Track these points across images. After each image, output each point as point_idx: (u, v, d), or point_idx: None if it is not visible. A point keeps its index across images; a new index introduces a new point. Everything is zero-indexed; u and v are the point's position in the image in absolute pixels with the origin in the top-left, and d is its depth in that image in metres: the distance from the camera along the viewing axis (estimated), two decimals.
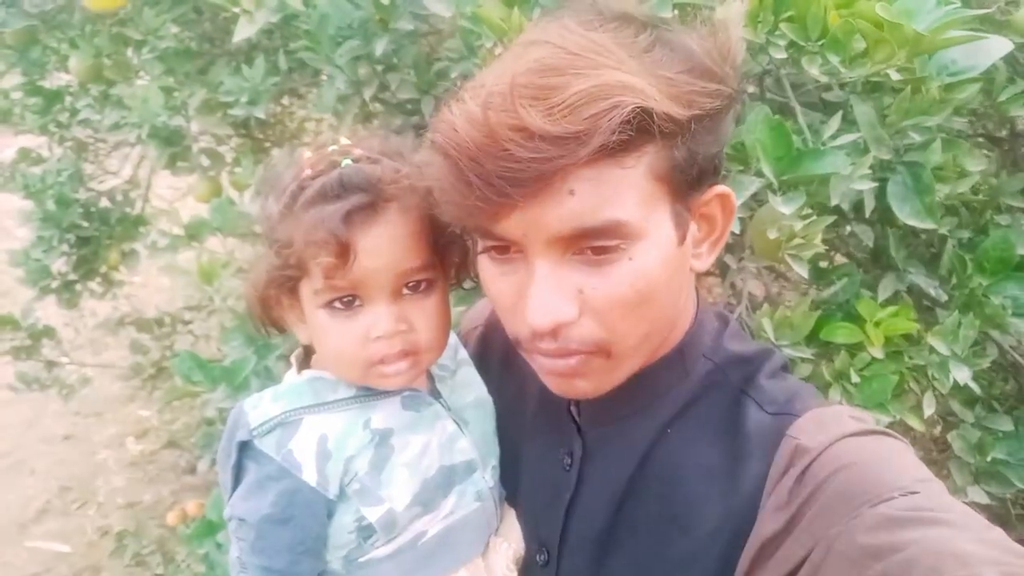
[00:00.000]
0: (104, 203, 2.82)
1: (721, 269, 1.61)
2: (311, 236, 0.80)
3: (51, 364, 3.27)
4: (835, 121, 1.14)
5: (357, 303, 0.85)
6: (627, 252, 0.71)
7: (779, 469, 0.76)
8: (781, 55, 1.08)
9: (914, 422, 1.40)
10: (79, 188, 2.71)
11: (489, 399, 1.01)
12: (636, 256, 0.72)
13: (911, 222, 1.19)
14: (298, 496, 0.84)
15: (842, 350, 1.39)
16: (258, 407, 0.87)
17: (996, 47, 1.15)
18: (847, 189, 1.17)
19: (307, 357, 0.96)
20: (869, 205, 1.23)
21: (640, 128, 0.66)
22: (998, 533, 0.64)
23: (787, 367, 0.89)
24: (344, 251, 0.80)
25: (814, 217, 1.15)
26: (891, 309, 1.43)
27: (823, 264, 1.62)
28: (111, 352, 4.31)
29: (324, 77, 1.77)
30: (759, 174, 1.13)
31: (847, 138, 1.13)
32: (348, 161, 0.84)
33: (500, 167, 0.66)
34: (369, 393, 0.90)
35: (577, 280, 0.72)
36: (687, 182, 0.74)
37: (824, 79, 1.07)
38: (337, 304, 0.85)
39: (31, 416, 4.38)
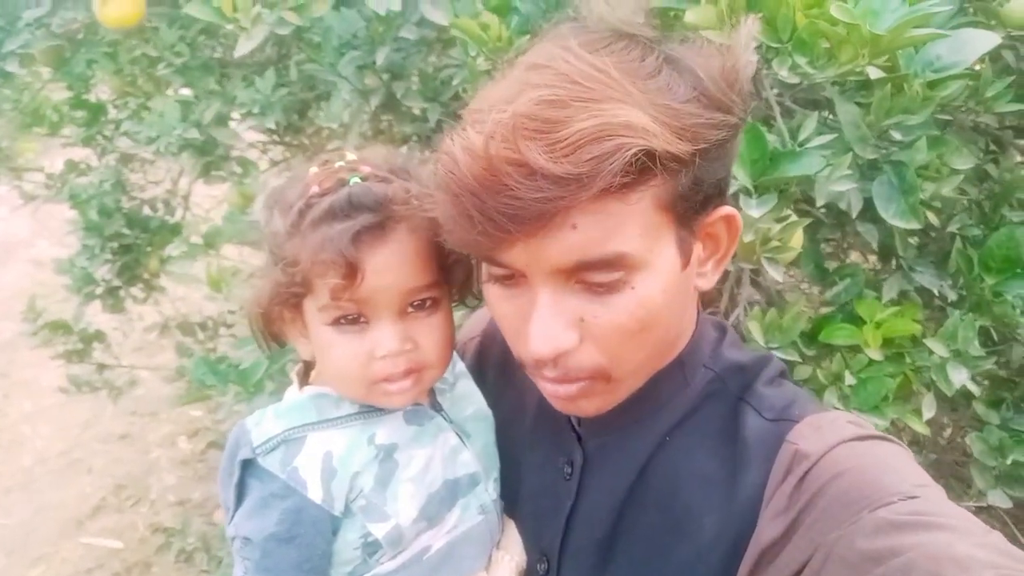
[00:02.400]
0: (146, 211, 2.92)
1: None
2: (318, 255, 0.80)
3: (102, 367, 3.39)
4: (811, 122, 1.13)
5: (362, 320, 0.85)
6: (629, 282, 0.72)
7: (778, 475, 0.76)
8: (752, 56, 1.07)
9: (916, 424, 1.37)
10: (122, 198, 2.81)
11: (488, 411, 1.02)
12: (638, 285, 0.72)
13: (895, 222, 1.17)
14: (303, 514, 0.84)
15: (838, 352, 1.37)
16: (260, 425, 0.87)
17: (982, 41, 1.13)
18: (831, 190, 1.16)
19: (307, 372, 0.96)
20: (856, 206, 1.21)
21: (643, 169, 0.66)
22: (997, 537, 0.64)
23: (785, 373, 0.90)
24: (352, 271, 0.80)
25: (792, 219, 1.14)
26: (893, 310, 1.40)
27: (829, 265, 1.60)
28: (163, 355, 4.46)
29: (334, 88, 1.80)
30: (733, 178, 1.12)
31: (825, 138, 1.11)
32: (356, 179, 0.84)
33: (500, 203, 0.66)
34: (372, 409, 0.91)
35: (578, 308, 0.73)
36: (692, 208, 0.74)
37: (795, 80, 1.06)
38: (342, 322, 0.85)
39: (89, 416, 4.56)
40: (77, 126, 2.83)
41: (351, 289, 0.81)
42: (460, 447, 0.95)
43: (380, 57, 1.63)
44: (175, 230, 2.78)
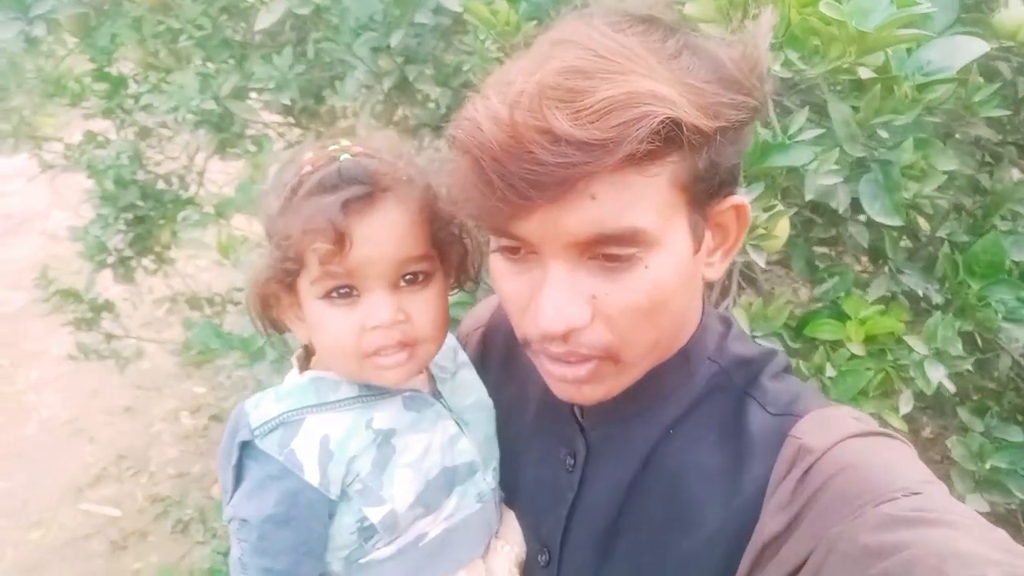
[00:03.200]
0: (161, 185, 2.98)
1: None
2: (309, 225, 0.81)
3: (110, 337, 3.46)
4: (801, 116, 1.17)
5: (354, 293, 0.85)
6: (643, 260, 0.71)
7: (781, 470, 0.76)
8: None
9: (893, 420, 1.41)
10: (138, 170, 2.87)
11: (490, 401, 1.02)
12: (652, 264, 0.72)
13: (879, 218, 1.21)
14: (300, 496, 0.84)
15: (822, 346, 1.41)
16: (259, 407, 0.87)
17: (971, 48, 1.17)
18: (819, 185, 1.20)
19: (308, 358, 0.97)
20: (843, 201, 1.26)
21: (667, 138, 0.66)
22: (1001, 534, 0.64)
23: (789, 368, 0.89)
24: (340, 238, 0.80)
25: (779, 208, 1.18)
26: (878, 308, 1.44)
27: (820, 264, 1.64)
28: (171, 331, 4.53)
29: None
30: None
31: (814, 132, 1.16)
32: (347, 156, 0.86)
33: (523, 169, 0.65)
34: (371, 393, 0.91)
35: (591, 285, 0.72)
36: (707, 192, 0.74)
37: (787, 75, 1.10)
38: (334, 295, 0.85)
39: (95, 387, 4.64)
40: (98, 98, 2.89)
41: (340, 256, 0.81)
42: (459, 435, 0.95)
43: (395, 40, 1.68)
44: (189, 204, 2.84)
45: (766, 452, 0.78)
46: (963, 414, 1.73)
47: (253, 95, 2.29)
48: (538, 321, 0.73)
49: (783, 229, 1.22)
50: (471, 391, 1.01)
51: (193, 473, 3.97)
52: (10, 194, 7.50)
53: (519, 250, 0.75)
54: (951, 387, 1.37)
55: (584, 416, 0.91)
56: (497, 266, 0.79)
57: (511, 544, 0.96)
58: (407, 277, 0.87)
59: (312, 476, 0.84)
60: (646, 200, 0.69)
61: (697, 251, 0.76)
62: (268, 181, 0.94)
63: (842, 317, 1.46)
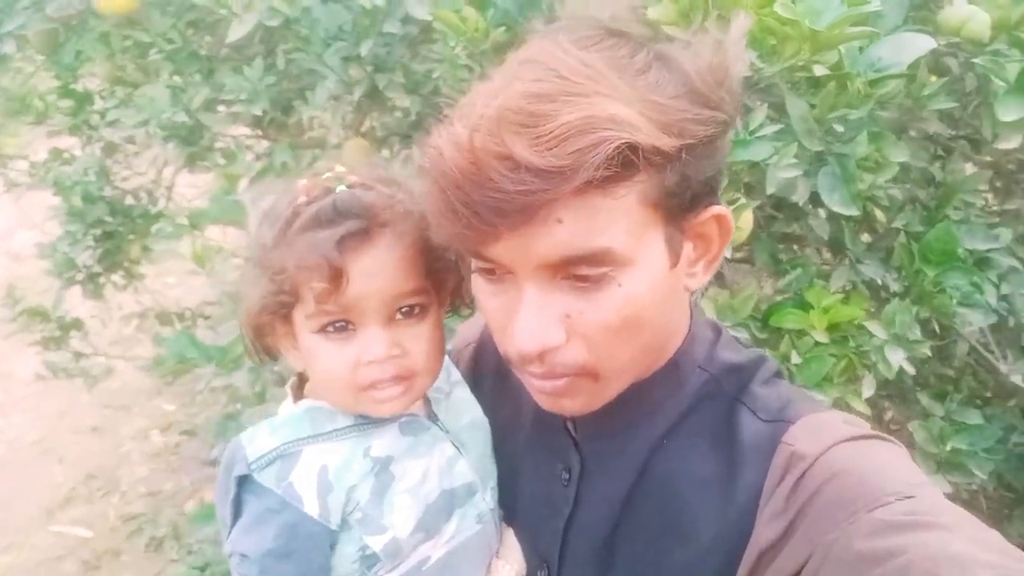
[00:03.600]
0: (129, 200, 2.98)
1: None
2: (304, 261, 0.80)
3: (79, 355, 3.43)
4: (760, 113, 1.22)
5: (350, 328, 0.85)
6: (615, 279, 0.72)
7: (775, 476, 0.76)
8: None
9: (856, 404, 1.47)
10: (105, 186, 2.87)
11: (485, 420, 1.01)
12: (624, 282, 0.72)
13: (838, 209, 1.26)
14: (300, 529, 0.83)
15: (787, 335, 1.46)
16: (255, 440, 0.86)
17: (919, 44, 1.24)
18: (780, 179, 1.25)
19: (301, 386, 0.97)
20: (802, 194, 1.31)
21: (625, 163, 0.66)
22: (994, 535, 0.64)
23: (780, 373, 0.89)
24: (337, 276, 0.80)
25: (742, 202, 1.23)
26: (839, 297, 1.50)
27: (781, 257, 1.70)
28: (141, 347, 4.49)
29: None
30: None
31: (773, 128, 1.21)
32: (343, 188, 0.85)
33: (485, 196, 0.66)
34: (367, 421, 0.90)
35: (565, 304, 0.73)
36: (680, 206, 0.74)
37: (748, 74, 1.15)
38: (329, 329, 0.85)
39: (63, 407, 4.58)
40: (63, 115, 2.88)
41: (336, 294, 0.81)
42: (456, 457, 0.94)
43: (365, 49, 1.71)
44: (157, 218, 2.84)
45: (759, 459, 0.79)
46: (923, 399, 1.80)
47: (221, 108, 2.31)
48: (514, 343, 0.74)
49: (747, 222, 1.27)
50: (466, 410, 1.01)
51: (165, 491, 3.93)
52: None
53: (495, 271, 0.76)
54: (911, 370, 1.43)
55: (577, 430, 0.92)
56: (478, 285, 0.80)
57: (511, 562, 0.96)
58: (403, 310, 0.86)
59: (311, 508, 0.83)
60: (614, 221, 0.69)
61: (675, 264, 0.76)
62: (261, 212, 0.91)
63: (805, 307, 1.52)
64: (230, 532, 0.86)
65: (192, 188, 3.19)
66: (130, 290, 3.21)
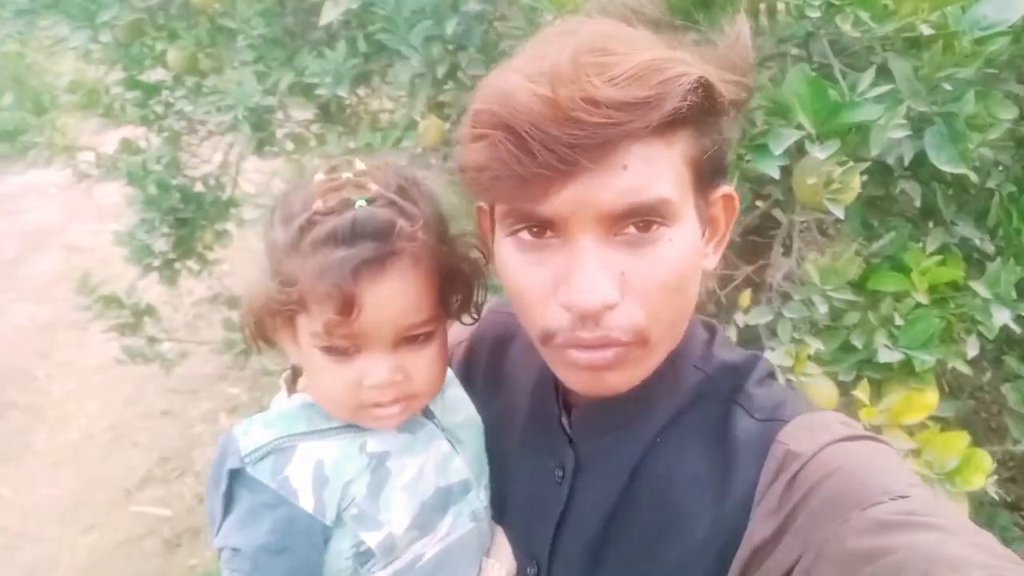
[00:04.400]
0: (198, 188, 3.05)
1: (772, 225, 1.70)
2: (316, 284, 0.79)
3: (152, 340, 3.52)
4: (868, 75, 1.23)
5: (354, 349, 0.84)
6: (667, 234, 0.73)
7: (769, 475, 0.77)
8: (816, 14, 1.17)
9: (960, 365, 1.47)
10: (176, 175, 2.94)
11: (478, 418, 1.01)
12: (675, 239, 0.73)
13: (946, 168, 1.26)
14: (295, 524, 0.82)
15: (887, 298, 1.47)
16: (248, 434, 0.86)
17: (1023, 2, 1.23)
18: (886, 139, 1.26)
19: (295, 379, 0.96)
20: (908, 156, 1.31)
21: (694, 104, 0.68)
22: (988, 537, 0.64)
23: (773, 374, 0.90)
24: (349, 306, 0.79)
25: (851, 164, 1.24)
26: (937, 259, 1.50)
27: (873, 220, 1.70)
28: (208, 332, 4.59)
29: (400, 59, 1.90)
30: (799, 127, 1.22)
31: (880, 90, 1.21)
32: (362, 202, 0.82)
33: (566, 133, 0.66)
34: None
35: (619, 262, 0.72)
36: (708, 173, 0.76)
37: (856, 34, 1.16)
38: (333, 350, 0.84)
39: (132, 394, 4.71)
40: (133, 106, 2.95)
41: (346, 325, 0.80)
42: (452, 454, 0.94)
43: (450, 28, 1.73)
44: (228, 204, 2.90)
45: (753, 458, 0.79)
46: (1011, 362, 1.80)
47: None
48: (574, 298, 0.72)
49: (856, 181, 1.28)
50: (461, 408, 1.00)
51: None
52: (26, 211, 7.56)
53: (543, 233, 0.74)
54: (1017, 329, 1.43)
55: (573, 428, 0.92)
56: (511, 260, 0.78)
57: (501, 561, 0.95)
58: (408, 337, 0.85)
59: (307, 503, 0.83)
60: (668, 171, 0.71)
61: (703, 235, 0.79)
62: (275, 202, 0.90)
63: (903, 270, 1.52)
64: (220, 526, 0.85)
65: (258, 174, 3.24)
66: (204, 275, 3.28)
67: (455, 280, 0.87)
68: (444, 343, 0.91)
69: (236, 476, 0.84)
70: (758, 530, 0.74)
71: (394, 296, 0.81)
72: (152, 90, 2.93)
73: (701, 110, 0.70)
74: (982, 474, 1.34)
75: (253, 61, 1.99)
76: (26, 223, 7.37)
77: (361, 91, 2.63)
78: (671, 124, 0.69)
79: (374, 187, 0.83)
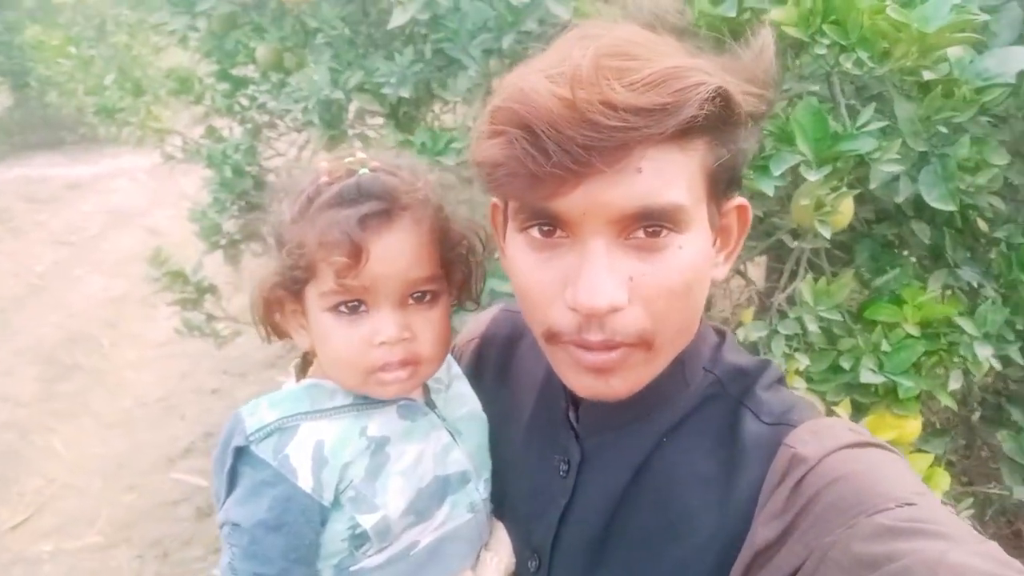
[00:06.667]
0: (271, 177, 3.26)
1: (784, 252, 1.81)
2: (325, 237, 0.82)
3: (211, 318, 3.75)
4: (868, 111, 1.34)
5: (363, 308, 0.86)
6: (677, 241, 0.73)
7: (775, 478, 0.76)
8: (823, 51, 1.29)
9: (943, 397, 1.55)
10: (252, 162, 3.16)
11: (483, 414, 1.02)
12: (685, 246, 0.73)
13: (937, 205, 1.36)
14: (293, 502, 0.84)
15: (880, 326, 1.56)
16: (255, 413, 0.87)
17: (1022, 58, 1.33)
18: (882, 173, 1.36)
19: (305, 368, 0.98)
20: (904, 191, 1.41)
21: (710, 114, 0.69)
22: (992, 546, 0.64)
23: (783, 380, 0.90)
24: (357, 253, 0.81)
25: (843, 190, 1.35)
26: (934, 295, 1.59)
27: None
28: None
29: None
30: (800, 153, 1.34)
31: (880, 124, 1.32)
32: (365, 171, 0.86)
33: (581, 135, 0.66)
34: (366, 401, 0.91)
35: (628, 267, 0.73)
36: (723, 182, 0.77)
37: (857, 72, 1.27)
38: (343, 308, 0.86)
39: (187, 369, 4.98)
40: (222, 96, 3.20)
41: (355, 270, 0.82)
42: (452, 445, 0.96)
43: (506, 43, 1.90)
44: None
45: (759, 460, 0.79)
46: (1014, 412, 1.86)
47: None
48: (579, 298, 0.72)
49: (848, 208, 1.38)
50: (464, 403, 1.02)
51: None
52: (115, 191, 8.02)
53: (553, 232, 0.75)
54: (999, 366, 1.50)
55: (580, 422, 0.92)
56: (520, 257, 0.78)
57: (500, 555, 0.96)
58: (415, 295, 0.88)
59: (305, 482, 0.84)
60: (684, 179, 0.71)
61: (714, 243, 0.80)
62: (277, 188, 0.93)
63: (900, 304, 1.61)
64: (224, 502, 0.87)
65: None
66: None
67: (454, 247, 0.91)
68: (448, 312, 0.93)
69: (240, 454, 0.86)
70: (762, 532, 0.74)
71: (399, 248, 0.85)
72: (240, 83, 3.17)
73: (718, 120, 0.70)
74: (939, 492, 1.42)
75: (329, 59, 2.18)
76: (113, 203, 7.82)
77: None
78: (687, 132, 0.69)
79: (376, 163, 0.89)
